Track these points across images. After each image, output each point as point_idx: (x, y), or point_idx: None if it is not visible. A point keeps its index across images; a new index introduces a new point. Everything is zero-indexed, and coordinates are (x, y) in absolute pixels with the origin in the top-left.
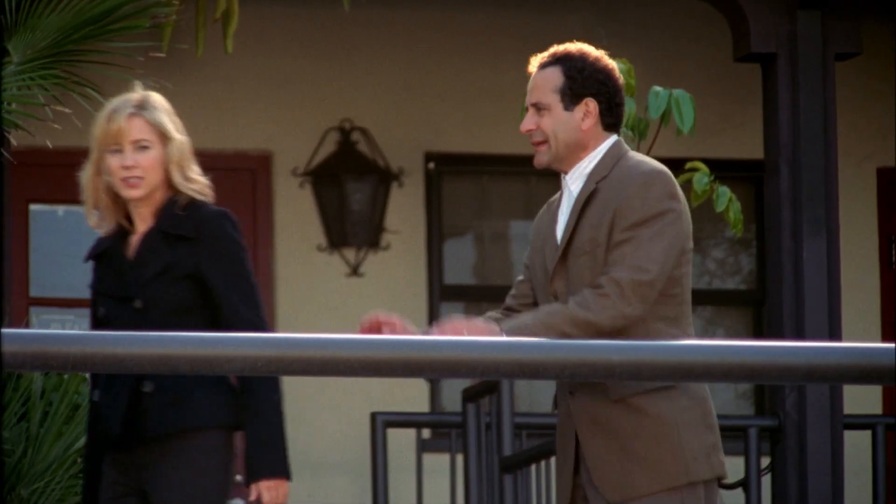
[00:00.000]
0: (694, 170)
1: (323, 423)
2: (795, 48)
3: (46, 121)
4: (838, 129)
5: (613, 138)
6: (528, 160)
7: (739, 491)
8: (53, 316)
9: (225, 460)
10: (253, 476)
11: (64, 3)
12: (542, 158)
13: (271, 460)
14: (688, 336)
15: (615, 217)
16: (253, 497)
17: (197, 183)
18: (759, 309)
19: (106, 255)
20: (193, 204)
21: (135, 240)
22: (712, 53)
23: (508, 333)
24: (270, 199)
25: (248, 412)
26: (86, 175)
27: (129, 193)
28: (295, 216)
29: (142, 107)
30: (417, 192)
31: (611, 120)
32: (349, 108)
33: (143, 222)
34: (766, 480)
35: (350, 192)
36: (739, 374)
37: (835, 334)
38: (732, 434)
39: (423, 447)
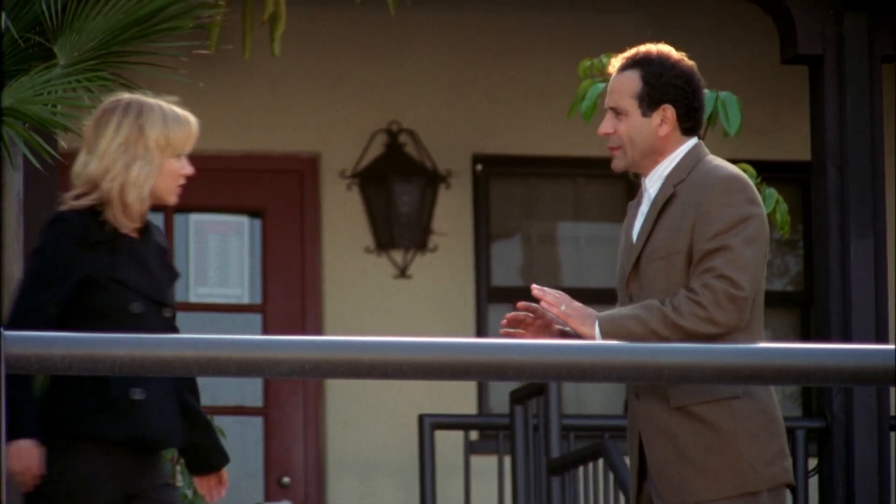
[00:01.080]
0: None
1: (371, 425)
2: (842, 50)
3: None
4: (885, 130)
5: (693, 141)
6: (575, 161)
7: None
8: None
9: None
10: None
11: (110, 4)
12: (618, 164)
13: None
14: (756, 342)
15: (696, 223)
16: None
17: None
18: (806, 310)
19: (115, 245)
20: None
21: (138, 243)
22: (759, 55)
23: (602, 320)
24: (318, 201)
25: None
26: (152, 174)
27: (174, 200)
28: (343, 218)
29: None
30: (465, 194)
31: (689, 124)
32: (397, 110)
33: (133, 227)
34: (814, 482)
35: (398, 193)
36: (786, 377)
37: (882, 336)
38: None
39: (470, 449)
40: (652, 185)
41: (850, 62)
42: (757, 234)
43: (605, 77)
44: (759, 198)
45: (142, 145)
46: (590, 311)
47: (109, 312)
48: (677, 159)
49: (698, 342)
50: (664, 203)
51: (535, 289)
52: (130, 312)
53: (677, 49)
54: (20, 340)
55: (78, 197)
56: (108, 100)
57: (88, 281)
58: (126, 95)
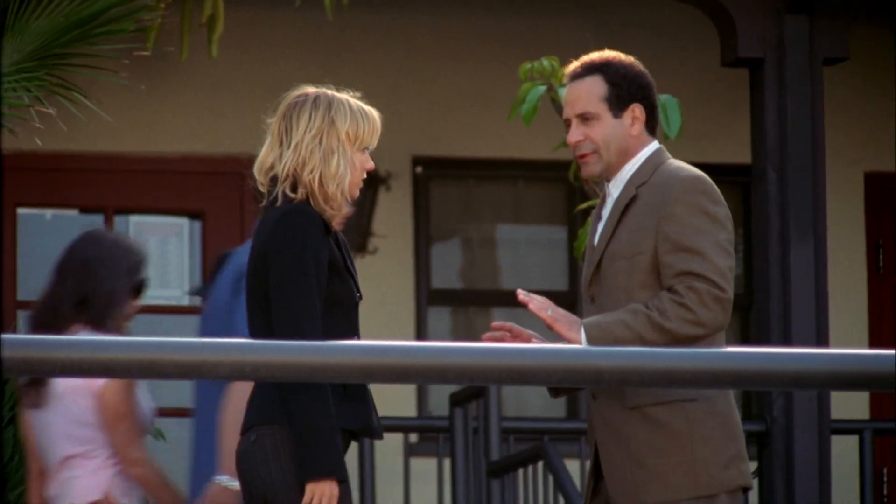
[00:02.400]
0: None
1: None
2: (783, 53)
3: (33, 123)
4: (826, 133)
5: (655, 145)
6: (515, 164)
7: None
8: None
9: None
10: None
11: (52, 7)
12: (593, 169)
13: None
14: (719, 345)
15: (661, 224)
16: None
17: None
18: (746, 314)
19: (336, 236)
20: None
21: (339, 234)
22: (700, 58)
23: (588, 326)
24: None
25: None
26: (348, 166)
27: (357, 194)
28: None
29: None
30: (405, 197)
31: (653, 123)
32: None
33: (337, 218)
34: (754, 485)
35: None
36: (727, 380)
37: (822, 340)
38: None
39: (410, 451)
40: (615, 188)
41: (790, 65)
42: (727, 238)
43: (545, 80)
44: (723, 198)
45: (334, 137)
46: (575, 317)
47: (344, 301)
48: (639, 162)
49: (677, 346)
50: (626, 205)
51: (521, 294)
52: (356, 302)
53: (617, 51)
54: (17, 343)
55: (293, 190)
56: (293, 93)
57: (332, 269)
58: (311, 88)
